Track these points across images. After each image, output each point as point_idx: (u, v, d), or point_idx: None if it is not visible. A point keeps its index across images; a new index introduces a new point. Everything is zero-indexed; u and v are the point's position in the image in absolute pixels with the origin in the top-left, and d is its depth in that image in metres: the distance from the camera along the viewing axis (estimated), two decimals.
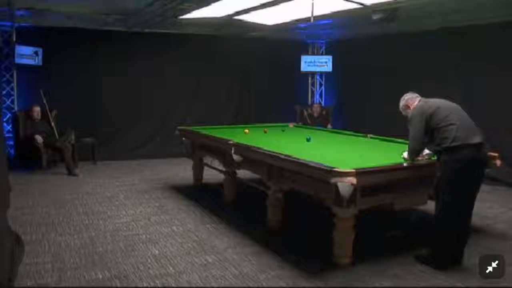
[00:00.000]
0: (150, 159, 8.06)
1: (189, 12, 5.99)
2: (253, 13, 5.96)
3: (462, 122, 3.35)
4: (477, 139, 3.30)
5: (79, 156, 7.18)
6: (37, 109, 7.06)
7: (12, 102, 7.46)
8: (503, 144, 5.78)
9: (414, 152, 3.56)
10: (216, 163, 5.60)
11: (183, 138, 6.02)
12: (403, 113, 3.79)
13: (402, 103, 3.80)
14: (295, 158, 3.70)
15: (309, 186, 3.70)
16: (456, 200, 3.34)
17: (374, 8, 5.33)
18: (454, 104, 3.53)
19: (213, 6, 5.47)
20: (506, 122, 6.11)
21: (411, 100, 3.71)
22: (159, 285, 3.12)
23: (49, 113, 7.15)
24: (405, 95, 3.83)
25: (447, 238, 3.38)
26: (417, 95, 3.76)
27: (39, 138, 6.70)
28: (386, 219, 4.43)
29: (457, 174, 3.28)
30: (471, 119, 3.44)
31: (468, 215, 3.49)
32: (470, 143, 3.25)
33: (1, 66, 7.29)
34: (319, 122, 8.05)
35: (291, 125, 6.90)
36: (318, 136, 5.68)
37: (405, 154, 3.66)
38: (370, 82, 8.23)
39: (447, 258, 3.41)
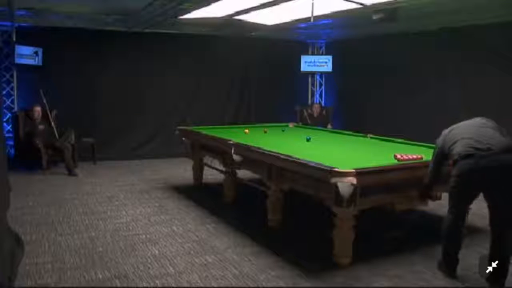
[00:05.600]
0: (150, 159, 8.06)
1: (189, 12, 6.00)
2: (253, 13, 5.96)
3: (469, 134, 3.16)
4: (491, 143, 3.04)
5: (79, 156, 7.19)
6: (38, 109, 7.06)
7: (12, 102, 7.46)
8: None
9: (429, 181, 3.48)
10: (216, 163, 5.60)
11: (183, 138, 6.02)
12: None
13: None
14: (295, 158, 3.70)
15: (309, 186, 3.70)
16: (458, 209, 3.22)
17: (374, 8, 5.33)
18: (476, 120, 3.33)
19: (213, 6, 5.47)
20: (506, 122, 6.09)
21: None
22: (159, 285, 3.12)
23: (49, 113, 7.15)
24: None
25: (448, 244, 3.30)
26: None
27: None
28: (386, 219, 4.44)
29: (461, 185, 3.14)
30: (492, 131, 3.19)
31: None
32: (470, 154, 3.04)
33: (1, 66, 7.29)
34: (319, 122, 8.05)
35: (291, 125, 6.90)
36: (318, 136, 5.68)
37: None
38: (370, 82, 8.24)
39: (452, 264, 3.29)
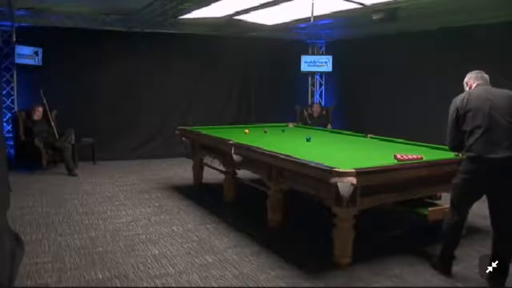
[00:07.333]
0: (150, 159, 8.06)
1: (189, 12, 6.01)
2: (253, 13, 5.97)
3: (485, 125, 3.00)
4: (499, 154, 2.94)
5: (79, 156, 7.19)
6: (39, 109, 7.06)
7: (12, 102, 7.45)
8: None
9: (450, 148, 3.34)
10: (216, 163, 5.60)
11: (183, 138, 6.02)
12: (464, 88, 3.43)
13: (465, 79, 3.44)
14: (295, 158, 3.70)
15: (309, 186, 3.70)
16: (456, 205, 3.23)
17: (374, 8, 5.34)
18: (495, 103, 3.06)
19: (213, 6, 5.48)
20: None
21: (471, 81, 3.36)
22: (159, 285, 3.12)
23: (49, 113, 7.15)
24: (475, 70, 3.43)
25: (446, 244, 3.33)
26: (481, 77, 3.34)
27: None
28: (386, 219, 4.44)
29: (465, 186, 3.13)
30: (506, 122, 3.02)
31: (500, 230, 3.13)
32: (488, 157, 2.96)
33: (1, 66, 7.28)
34: (319, 122, 8.05)
35: (291, 125, 6.90)
36: (318, 136, 5.68)
37: None
38: (370, 82, 8.24)
39: (448, 263, 3.32)
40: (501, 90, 3.16)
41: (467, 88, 3.38)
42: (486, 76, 3.35)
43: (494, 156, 2.95)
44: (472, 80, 3.35)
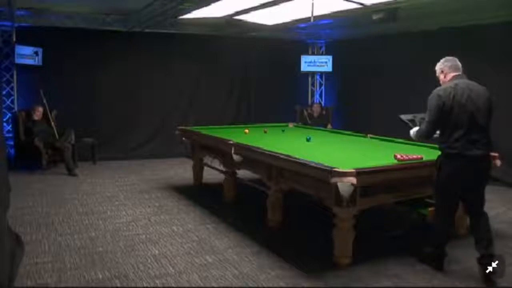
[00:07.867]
0: (150, 159, 8.06)
1: (189, 12, 6.01)
2: (253, 13, 5.97)
3: (470, 130, 3.09)
4: (476, 151, 3.09)
5: (79, 156, 7.19)
6: (40, 109, 7.06)
7: (12, 102, 7.46)
8: (503, 143, 5.77)
9: (422, 137, 3.38)
10: (216, 163, 5.60)
11: (183, 138, 6.02)
12: (436, 74, 3.41)
13: (439, 65, 3.37)
14: (295, 158, 3.70)
15: (309, 186, 3.70)
16: (444, 204, 3.35)
17: (374, 8, 5.34)
18: (476, 103, 3.13)
19: (213, 6, 5.48)
20: (505, 122, 6.10)
21: (446, 70, 3.31)
22: (159, 285, 3.12)
23: (49, 113, 7.15)
24: (449, 57, 3.36)
25: (437, 238, 3.41)
26: (457, 66, 3.30)
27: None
28: (386, 219, 4.44)
29: (448, 181, 3.22)
30: (486, 126, 3.16)
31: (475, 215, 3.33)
32: (467, 154, 3.09)
33: (1, 66, 7.28)
34: (319, 122, 8.05)
35: (291, 125, 6.89)
36: (318, 136, 5.68)
37: (411, 132, 3.49)
38: (370, 82, 8.24)
39: (441, 258, 3.41)
40: (480, 88, 3.23)
41: (441, 76, 3.36)
42: (460, 64, 3.34)
43: (471, 153, 3.09)
44: (448, 69, 3.31)
